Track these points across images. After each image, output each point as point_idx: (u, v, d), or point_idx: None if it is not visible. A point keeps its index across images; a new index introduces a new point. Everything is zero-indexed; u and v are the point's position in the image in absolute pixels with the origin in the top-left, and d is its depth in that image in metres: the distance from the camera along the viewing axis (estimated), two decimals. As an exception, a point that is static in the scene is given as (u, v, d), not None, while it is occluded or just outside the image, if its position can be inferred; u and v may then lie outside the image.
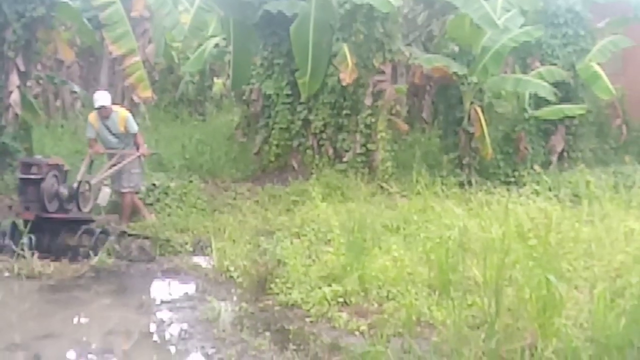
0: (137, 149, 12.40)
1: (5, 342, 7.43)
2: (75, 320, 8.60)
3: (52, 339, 7.64)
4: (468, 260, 8.74)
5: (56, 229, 10.63)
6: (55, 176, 10.65)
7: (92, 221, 11.08)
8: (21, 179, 10.61)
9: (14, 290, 9.51)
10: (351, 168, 15.40)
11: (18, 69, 13.78)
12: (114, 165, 11.95)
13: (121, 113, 12.36)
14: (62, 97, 22.22)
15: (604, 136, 19.29)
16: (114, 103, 12.59)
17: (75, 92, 20.58)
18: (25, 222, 10.33)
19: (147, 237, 11.20)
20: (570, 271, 8.64)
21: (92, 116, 12.28)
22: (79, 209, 10.93)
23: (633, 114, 20.63)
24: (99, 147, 12.27)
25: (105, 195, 11.59)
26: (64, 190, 10.73)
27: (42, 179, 10.41)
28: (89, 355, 7.29)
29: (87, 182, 11.12)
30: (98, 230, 10.78)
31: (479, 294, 7.72)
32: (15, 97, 13.85)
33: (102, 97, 12.14)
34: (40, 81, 19.72)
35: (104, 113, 12.06)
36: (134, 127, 12.36)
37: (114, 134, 12.22)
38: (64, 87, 20.58)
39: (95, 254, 10.32)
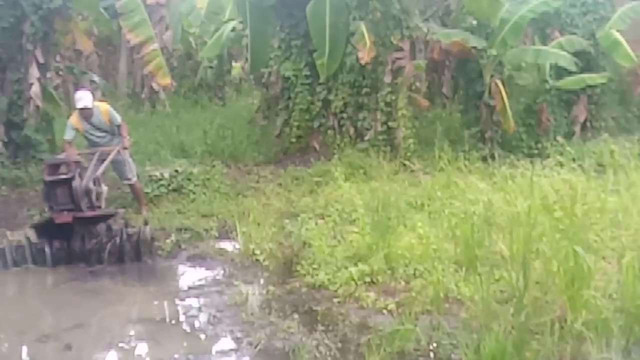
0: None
1: (36, 334, 7.52)
2: (105, 309, 8.65)
3: (82, 328, 7.71)
4: (494, 235, 8.72)
5: (89, 230, 10.31)
6: (79, 174, 10.36)
7: (114, 216, 10.90)
8: (49, 181, 10.20)
9: (44, 281, 9.59)
10: (373, 147, 15.33)
11: (37, 61, 13.84)
12: (102, 161, 11.45)
13: (102, 107, 12.00)
14: (82, 87, 22.28)
15: (626, 104, 19.07)
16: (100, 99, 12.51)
17: (94, 81, 20.61)
18: (56, 227, 10.08)
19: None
20: (597, 242, 8.59)
21: (74, 117, 11.88)
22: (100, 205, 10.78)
23: (655, 81, 20.40)
24: (73, 150, 11.53)
25: (103, 193, 11.40)
26: (93, 187, 10.52)
27: (72, 178, 10.10)
28: (119, 344, 7.32)
29: (97, 178, 10.94)
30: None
31: (506, 268, 7.70)
32: (35, 89, 13.91)
33: (84, 98, 11.70)
34: (60, 72, 19.79)
35: (86, 113, 11.71)
36: (117, 119, 12.01)
37: (100, 129, 11.94)
38: (83, 78, 20.60)
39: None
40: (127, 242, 10.16)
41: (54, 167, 10.26)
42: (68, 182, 10.06)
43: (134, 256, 10.15)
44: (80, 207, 10.12)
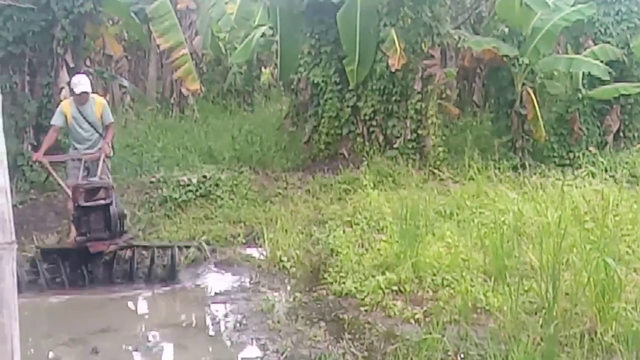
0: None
1: (63, 338, 7.53)
2: (131, 313, 8.65)
3: (109, 332, 7.71)
4: (523, 245, 8.66)
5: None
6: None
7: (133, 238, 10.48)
8: (85, 206, 9.41)
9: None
10: (402, 154, 15.26)
11: (67, 66, 13.87)
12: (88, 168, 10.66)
13: (98, 99, 11.18)
14: (112, 92, 22.40)
15: (660, 114, 18.88)
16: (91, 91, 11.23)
17: (124, 86, 20.71)
18: (69, 252, 9.65)
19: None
20: (629, 254, 8.54)
21: (66, 103, 11.10)
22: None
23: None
24: (39, 154, 10.56)
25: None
26: (125, 212, 10.10)
27: (110, 203, 9.41)
28: (146, 348, 7.32)
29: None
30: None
31: (535, 279, 7.65)
32: (65, 93, 13.89)
33: (83, 82, 10.81)
34: (90, 77, 19.83)
35: (82, 99, 10.84)
36: (110, 117, 11.12)
37: (89, 122, 10.94)
38: (113, 82, 20.73)
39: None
40: (158, 265, 9.83)
41: (91, 192, 9.55)
42: (104, 207, 9.44)
43: (166, 278, 9.63)
44: (116, 234, 9.52)
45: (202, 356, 7.15)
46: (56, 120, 10.95)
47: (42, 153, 10.58)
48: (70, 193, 10.03)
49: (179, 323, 8.18)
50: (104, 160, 10.63)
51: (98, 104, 11.02)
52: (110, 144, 11.00)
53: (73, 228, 10.57)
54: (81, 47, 14.28)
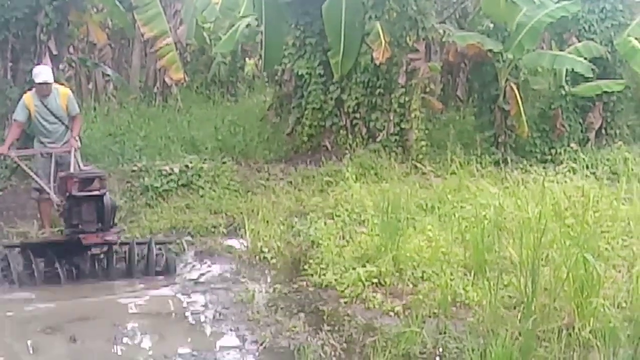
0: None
1: (41, 325, 7.51)
2: (110, 302, 8.62)
3: (87, 321, 7.69)
4: (504, 240, 8.72)
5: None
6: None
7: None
8: (77, 196, 9.09)
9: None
10: (385, 148, 15.24)
11: (51, 53, 13.79)
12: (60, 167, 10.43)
13: (62, 90, 10.87)
14: (95, 80, 22.27)
15: (642, 112, 18.99)
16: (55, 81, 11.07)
17: (107, 74, 20.59)
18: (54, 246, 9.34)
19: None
20: (608, 250, 8.59)
21: (28, 96, 10.74)
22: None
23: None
24: (4, 149, 10.42)
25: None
26: (116, 203, 9.82)
27: (104, 194, 9.16)
28: (124, 337, 7.32)
29: None
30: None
31: (515, 273, 7.69)
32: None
33: (44, 72, 10.61)
34: (73, 64, 19.77)
35: (44, 91, 10.54)
36: (76, 108, 10.91)
37: (55, 115, 10.70)
38: (96, 70, 20.60)
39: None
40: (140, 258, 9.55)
41: (85, 182, 9.24)
42: (97, 198, 9.13)
43: (165, 272, 9.48)
44: (108, 225, 9.21)
45: (181, 345, 7.13)
46: (19, 115, 10.72)
47: (7, 147, 10.45)
48: (46, 188, 10.03)
49: (158, 312, 8.16)
50: (74, 155, 10.46)
51: (62, 95, 10.81)
52: (77, 137, 10.81)
53: (47, 223, 10.61)
54: (65, 34, 14.21)
